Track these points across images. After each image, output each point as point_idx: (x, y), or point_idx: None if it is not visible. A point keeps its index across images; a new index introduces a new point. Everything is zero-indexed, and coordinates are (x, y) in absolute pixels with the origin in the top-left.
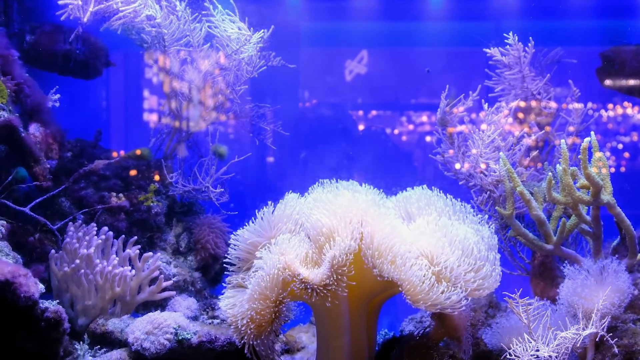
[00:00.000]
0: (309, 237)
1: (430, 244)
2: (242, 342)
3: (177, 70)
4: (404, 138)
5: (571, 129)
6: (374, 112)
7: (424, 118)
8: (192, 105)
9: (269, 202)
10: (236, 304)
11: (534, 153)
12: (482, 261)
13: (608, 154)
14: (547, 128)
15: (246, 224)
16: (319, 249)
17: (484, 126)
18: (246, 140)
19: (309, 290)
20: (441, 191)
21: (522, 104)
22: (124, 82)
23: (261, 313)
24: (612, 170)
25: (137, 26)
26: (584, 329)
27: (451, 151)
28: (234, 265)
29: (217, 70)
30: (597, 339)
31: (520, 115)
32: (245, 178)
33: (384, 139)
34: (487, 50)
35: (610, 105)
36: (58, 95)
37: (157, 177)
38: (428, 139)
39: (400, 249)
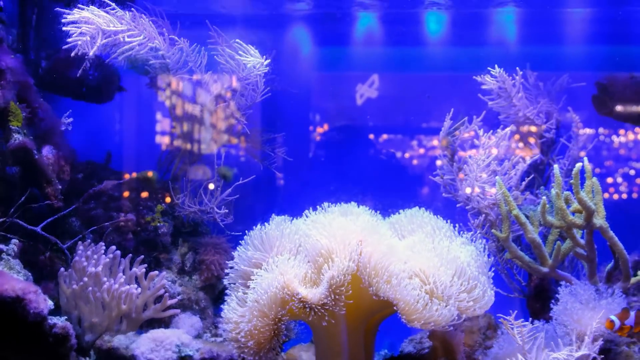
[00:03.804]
0: (307, 258)
1: (423, 263)
2: (242, 358)
3: (188, 94)
4: (415, 162)
5: (574, 153)
6: (384, 136)
7: (435, 142)
8: (203, 128)
9: (271, 222)
10: (237, 320)
11: (529, 177)
12: (475, 281)
13: (620, 179)
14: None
15: (248, 242)
16: (318, 269)
17: (480, 151)
18: (255, 162)
19: (307, 310)
20: (439, 216)
21: (523, 128)
22: (134, 106)
23: (260, 330)
24: (624, 196)
25: (141, 58)
26: (576, 351)
27: (445, 176)
28: (235, 282)
29: (229, 93)
30: None
31: (517, 139)
32: (253, 200)
33: (394, 162)
34: (477, 77)
35: (622, 131)
36: (71, 119)
37: (167, 199)
38: (439, 162)
39: (396, 268)
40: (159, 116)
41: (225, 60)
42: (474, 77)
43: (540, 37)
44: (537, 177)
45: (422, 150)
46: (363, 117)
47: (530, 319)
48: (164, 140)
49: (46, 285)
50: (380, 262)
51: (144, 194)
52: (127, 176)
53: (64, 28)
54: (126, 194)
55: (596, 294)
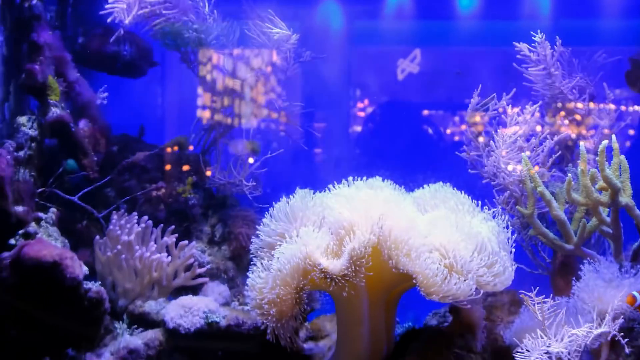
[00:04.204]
0: (330, 230)
1: (444, 238)
2: (265, 325)
3: (224, 68)
4: (456, 138)
5: (605, 131)
6: (425, 112)
7: (477, 118)
8: (239, 102)
9: (296, 195)
10: (260, 288)
11: (556, 154)
12: (495, 257)
13: None
14: (574, 130)
15: (274, 214)
16: (340, 241)
17: (507, 128)
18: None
19: (328, 280)
20: (463, 191)
21: (555, 104)
22: (167, 80)
23: (282, 299)
24: None
25: (174, 32)
26: (596, 328)
27: (472, 152)
28: (260, 252)
29: (269, 68)
30: (612, 339)
31: (550, 116)
32: (289, 173)
33: (436, 138)
34: (516, 44)
35: None
36: (106, 94)
37: (208, 172)
38: (481, 139)
39: (416, 242)
40: (191, 90)
41: (257, 34)
42: (514, 43)
43: (574, 11)
44: (566, 153)
45: (463, 127)
46: (399, 92)
47: (551, 295)
48: (198, 114)
49: (83, 252)
50: (400, 235)
51: (185, 167)
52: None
53: None
54: (168, 167)
55: (620, 272)
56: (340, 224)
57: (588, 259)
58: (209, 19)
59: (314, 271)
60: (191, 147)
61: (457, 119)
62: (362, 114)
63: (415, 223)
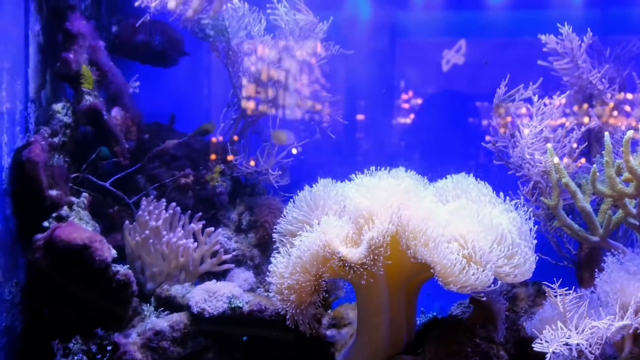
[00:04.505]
0: (351, 219)
1: (463, 228)
2: (285, 311)
3: (274, 58)
4: (502, 130)
5: (632, 122)
6: (473, 103)
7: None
8: (287, 93)
9: (318, 184)
10: (281, 274)
11: (583, 145)
12: (516, 248)
13: None
14: (604, 120)
15: (296, 202)
16: (359, 230)
17: (533, 119)
18: (338, 127)
19: (347, 268)
20: (486, 182)
21: (584, 95)
22: (197, 70)
23: (302, 285)
24: None
25: (203, 22)
26: (618, 321)
27: (498, 143)
28: (283, 239)
29: (314, 60)
30: (635, 331)
31: (578, 107)
32: (319, 162)
33: (482, 130)
34: (542, 37)
35: None
36: (138, 83)
37: (230, 157)
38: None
39: (434, 232)
40: (221, 80)
41: (285, 22)
42: (539, 36)
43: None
44: (595, 144)
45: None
46: (440, 83)
47: (573, 287)
48: (227, 103)
49: (114, 236)
50: (419, 225)
51: (212, 156)
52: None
53: None
54: (213, 156)
55: None
56: (360, 212)
57: (613, 250)
58: (238, 10)
59: (332, 259)
60: (221, 138)
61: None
62: (406, 105)
63: (435, 213)
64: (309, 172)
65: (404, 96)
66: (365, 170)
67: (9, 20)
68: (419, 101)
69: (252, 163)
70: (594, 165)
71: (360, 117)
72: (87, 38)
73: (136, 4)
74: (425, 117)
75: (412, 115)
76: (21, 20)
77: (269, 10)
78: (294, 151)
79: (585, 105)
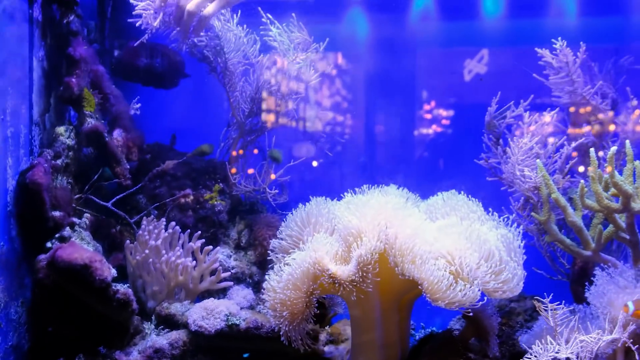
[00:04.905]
0: (341, 237)
1: (450, 245)
2: (279, 327)
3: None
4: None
5: (628, 135)
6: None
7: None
8: (308, 106)
9: (311, 202)
10: (275, 290)
11: (573, 161)
12: (504, 264)
13: None
14: (596, 135)
15: (290, 220)
16: (348, 248)
17: (524, 135)
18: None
19: (337, 285)
20: (476, 199)
21: (576, 108)
22: (197, 91)
23: (294, 302)
24: None
25: (198, 44)
26: (608, 334)
27: (490, 160)
28: (277, 256)
29: (334, 71)
30: (626, 345)
31: (571, 123)
32: (316, 179)
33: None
34: (539, 50)
35: None
36: (139, 105)
37: (233, 170)
38: (551, 140)
39: (421, 249)
40: (220, 100)
41: (279, 42)
42: (536, 49)
43: (599, 10)
44: (586, 159)
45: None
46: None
47: (563, 302)
48: (226, 123)
49: (116, 255)
50: (406, 242)
51: (233, 170)
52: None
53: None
54: (233, 170)
55: (636, 278)
56: (349, 230)
57: (604, 264)
58: (235, 31)
59: (323, 276)
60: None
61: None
62: (428, 115)
63: (422, 230)
64: (308, 189)
65: (426, 106)
66: (356, 189)
67: (14, 48)
68: (428, 116)
69: (251, 171)
70: (582, 181)
71: (360, 132)
72: (89, 62)
73: (137, 23)
74: (435, 129)
75: (429, 128)
76: (26, 47)
77: (262, 32)
78: (314, 163)
79: (581, 119)
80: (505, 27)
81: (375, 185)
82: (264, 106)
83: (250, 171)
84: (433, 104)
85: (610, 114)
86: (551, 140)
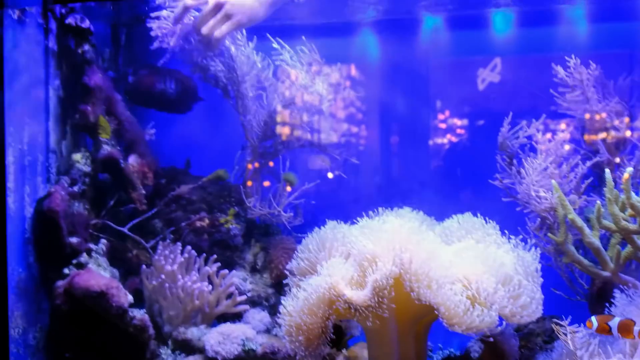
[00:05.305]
0: (356, 261)
1: (467, 269)
2: (294, 352)
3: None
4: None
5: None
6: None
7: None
8: (322, 118)
9: (326, 226)
10: (290, 315)
11: (588, 181)
12: (522, 288)
13: None
14: (611, 153)
15: (305, 243)
16: (363, 273)
17: (538, 155)
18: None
19: (353, 310)
20: (492, 221)
21: (590, 126)
22: (211, 115)
23: (309, 327)
24: None
25: (212, 69)
26: (629, 358)
27: (505, 180)
28: (293, 280)
29: (348, 83)
30: None
31: (587, 137)
32: (332, 202)
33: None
34: (556, 67)
35: None
36: (153, 130)
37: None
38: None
39: (437, 273)
40: (234, 124)
41: (291, 65)
42: (552, 64)
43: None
44: (603, 178)
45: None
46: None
47: (582, 324)
48: (241, 146)
49: (133, 279)
50: (421, 267)
51: (249, 183)
52: None
53: (148, 25)
54: (249, 182)
55: None
56: (363, 255)
57: (625, 285)
58: (249, 55)
59: (338, 301)
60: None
61: None
62: (443, 125)
63: (438, 254)
64: (323, 211)
65: (441, 125)
66: (370, 212)
67: (30, 78)
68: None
69: (267, 183)
70: (598, 202)
71: (375, 153)
72: (104, 90)
73: (153, 46)
74: (452, 139)
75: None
76: (42, 77)
77: (274, 57)
78: (330, 175)
79: (596, 137)
80: (518, 36)
81: (390, 208)
82: (277, 129)
83: (267, 183)
84: (447, 120)
85: (628, 133)
86: (566, 155)
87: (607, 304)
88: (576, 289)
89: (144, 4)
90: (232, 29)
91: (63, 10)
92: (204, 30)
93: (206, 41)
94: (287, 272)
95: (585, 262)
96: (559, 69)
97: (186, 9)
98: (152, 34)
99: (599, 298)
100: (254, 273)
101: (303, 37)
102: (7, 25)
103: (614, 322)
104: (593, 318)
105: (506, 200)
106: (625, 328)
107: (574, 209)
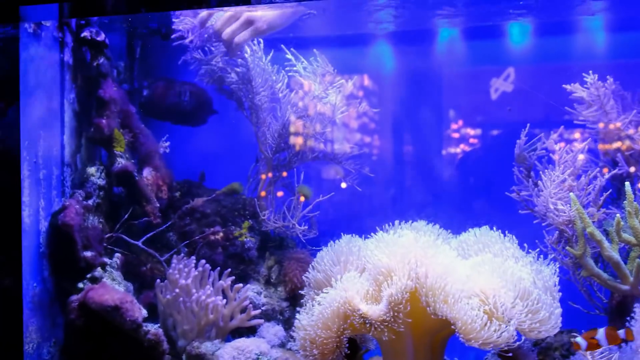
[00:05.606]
0: (371, 276)
1: (484, 284)
2: None
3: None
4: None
5: None
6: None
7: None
8: (335, 127)
9: (341, 240)
10: (306, 328)
11: (607, 193)
12: (540, 303)
13: None
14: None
15: (321, 257)
16: (379, 287)
17: (556, 168)
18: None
19: (368, 325)
20: (511, 234)
21: (609, 139)
22: (225, 128)
23: (324, 341)
24: None
25: (227, 80)
26: None
27: (522, 192)
28: (308, 294)
29: (361, 93)
30: None
31: (603, 148)
32: (348, 214)
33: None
34: (567, 87)
35: None
36: (168, 143)
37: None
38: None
39: (453, 288)
40: (249, 136)
41: (304, 77)
42: (563, 86)
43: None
44: (622, 190)
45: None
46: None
47: None
48: (255, 159)
49: (147, 293)
50: (437, 281)
51: (263, 193)
52: None
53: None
54: (263, 193)
55: None
56: (379, 269)
57: None
58: (264, 66)
59: (354, 316)
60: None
61: None
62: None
63: (454, 268)
64: (338, 223)
65: (454, 134)
66: (385, 226)
67: (45, 91)
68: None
69: (280, 194)
70: (617, 215)
71: (390, 164)
72: (119, 103)
73: (175, 42)
74: (464, 149)
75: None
76: (57, 90)
77: (287, 69)
78: (343, 185)
79: (613, 149)
80: (535, 46)
81: (405, 221)
82: (291, 141)
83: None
84: (461, 130)
85: None
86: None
87: (628, 318)
88: (595, 303)
89: (161, 18)
90: (253, 36)
91: (79, 24)
92: (225, 35)
93: (226, 45)
94: (302, 286)
95: (604, 275)
96: (577, 87)
97: (211, 14)
98: (174, 27)
99: (618, 312)
100: (269, 286)
101: (315, 50)
102: (23, 38)
103: (601, 334)
104: (579, 338)
105: (523, 213)
106: (612, 336)
107: (593, 222)
